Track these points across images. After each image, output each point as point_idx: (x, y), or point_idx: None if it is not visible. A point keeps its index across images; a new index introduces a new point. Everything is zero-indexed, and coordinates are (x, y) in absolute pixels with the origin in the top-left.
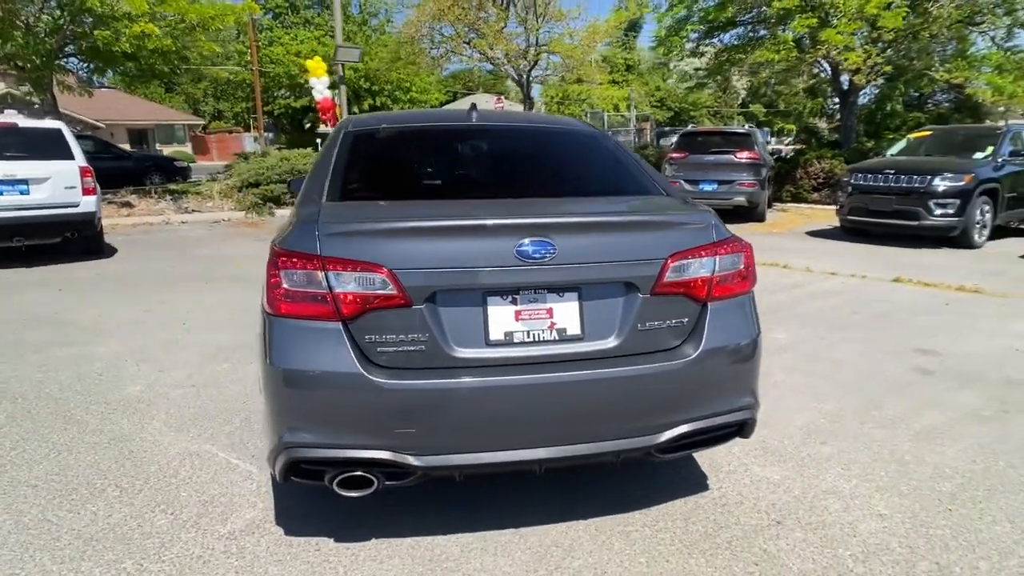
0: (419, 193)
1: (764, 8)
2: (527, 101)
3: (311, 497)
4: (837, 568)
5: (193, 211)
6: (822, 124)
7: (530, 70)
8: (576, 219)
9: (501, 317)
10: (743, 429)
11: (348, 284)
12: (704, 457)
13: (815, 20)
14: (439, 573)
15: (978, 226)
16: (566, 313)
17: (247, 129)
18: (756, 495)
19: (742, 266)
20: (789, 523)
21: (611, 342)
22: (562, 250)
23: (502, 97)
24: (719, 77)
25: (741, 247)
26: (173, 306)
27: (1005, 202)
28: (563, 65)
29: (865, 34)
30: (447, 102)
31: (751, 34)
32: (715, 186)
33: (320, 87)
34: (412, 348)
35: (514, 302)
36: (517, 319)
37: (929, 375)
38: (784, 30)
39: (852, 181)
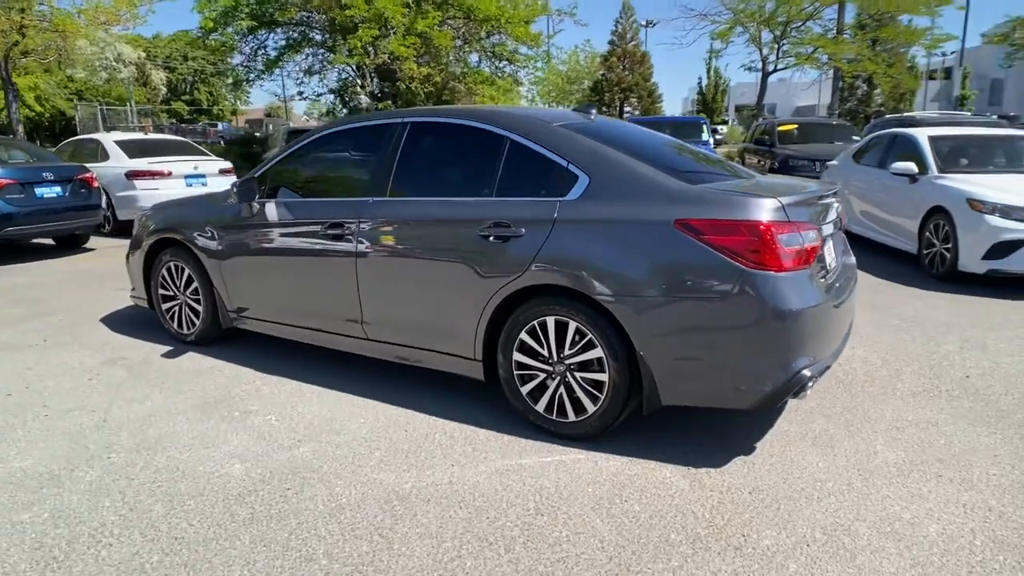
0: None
1: (315, 14)
2: (9, 87)
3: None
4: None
5: None
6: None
7: (9, 50)
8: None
9: (826, 253)
10: None
11: (808, 240)
12: None
13: (376, 31)
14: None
15: None
16: (830, 248)
17: None
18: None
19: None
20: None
21: (841, 262)
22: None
23: None
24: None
25: None
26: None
27: None
28: (55, 48)
29: (416, 48)
30: None
31: (293, 36)
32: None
33: None
34: (822, 280)
35: (824, 243)
36: (827, 254)
37: None
38: (344, 40)
39: None
